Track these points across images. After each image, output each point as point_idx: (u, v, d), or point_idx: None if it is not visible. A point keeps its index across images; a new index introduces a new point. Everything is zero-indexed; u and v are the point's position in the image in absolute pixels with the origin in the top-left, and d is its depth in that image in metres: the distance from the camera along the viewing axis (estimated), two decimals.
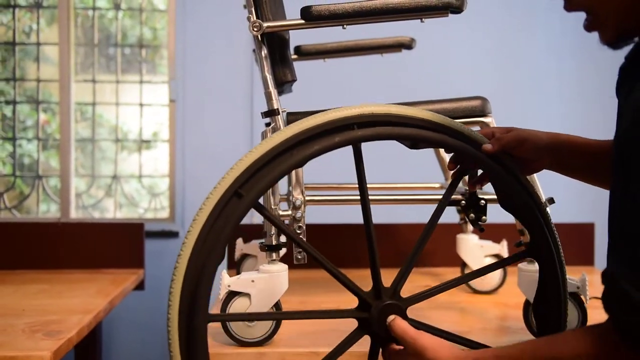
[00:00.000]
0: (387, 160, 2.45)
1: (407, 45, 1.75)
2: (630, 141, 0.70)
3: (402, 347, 0.92)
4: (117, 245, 2.16)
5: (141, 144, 3.02)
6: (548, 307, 1.03)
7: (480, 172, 1.12)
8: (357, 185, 1.01)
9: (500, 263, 1.07)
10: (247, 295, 1.22)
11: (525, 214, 1.01)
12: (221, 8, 2.86)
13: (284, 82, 1.32)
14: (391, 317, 0.95)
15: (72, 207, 2.83)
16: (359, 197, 1.00)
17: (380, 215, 2.49)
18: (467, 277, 1.05)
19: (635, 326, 0.69)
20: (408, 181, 1.80)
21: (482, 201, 1.17)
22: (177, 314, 0.87)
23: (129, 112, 3.04)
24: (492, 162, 1.00)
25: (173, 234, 2.84)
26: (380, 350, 0.98)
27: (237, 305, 1.23)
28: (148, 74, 3.03)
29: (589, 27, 0.81)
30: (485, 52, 3.07)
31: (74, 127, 2.90)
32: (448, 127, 1.01)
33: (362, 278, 1.07)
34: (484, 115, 1.29)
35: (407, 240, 2.10)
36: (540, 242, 0.99)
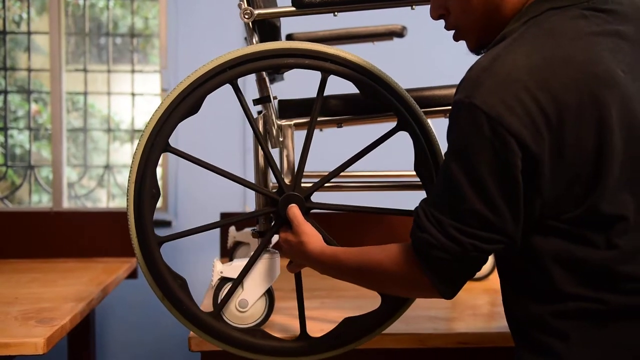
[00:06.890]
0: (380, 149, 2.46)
1: (399, 33, 1.76)
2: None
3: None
4: (109, 234, 2.16)
5: (133, 133, 3.01)
6: (422, 170, 1.17)
7: None
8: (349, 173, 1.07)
9: (379, 141, 1.20)
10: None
11: (385, 101, 1.18)
12: None
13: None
14: (290, 205, 1.14)
15: (64, 198, 2.82)
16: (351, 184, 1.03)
17: (372, 203, 2.48)
18: (357, 157, 1.20)
19: (418, 240, 0.90)
20: (400, 169, 1.80)
21: None
22: (135, 234, 1.16)
23: (120, 102, 3.03)
24: (348, 70, 1.17)
25: (166, 223, 2.84)
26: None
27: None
28: (140, 64, 3.02)
29: (456, 37, 1.03)
30: None
31: (66, 117, 2.89)
32: (304, 49, 1.16)
33: None
34: None
35: (400, 228, 2.11)
36: (403, 120, 1.18)
